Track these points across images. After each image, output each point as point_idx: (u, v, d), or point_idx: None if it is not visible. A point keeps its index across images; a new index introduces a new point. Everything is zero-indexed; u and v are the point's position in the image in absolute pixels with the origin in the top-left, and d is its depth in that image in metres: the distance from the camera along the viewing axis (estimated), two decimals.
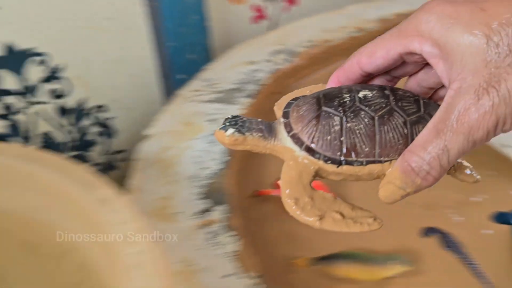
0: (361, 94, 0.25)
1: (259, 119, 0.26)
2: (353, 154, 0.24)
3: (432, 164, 0.23)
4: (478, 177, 0.26)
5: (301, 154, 0.25)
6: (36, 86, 0.61)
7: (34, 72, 0.60)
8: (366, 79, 0.28)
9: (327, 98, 0.25)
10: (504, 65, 0.21)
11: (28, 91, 0.61)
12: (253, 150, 0.26)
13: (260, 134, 0.26)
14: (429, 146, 0.23)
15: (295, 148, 0.25)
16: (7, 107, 0.60)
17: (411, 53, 0.25)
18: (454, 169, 0.26)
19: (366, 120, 0.24)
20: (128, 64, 0.66)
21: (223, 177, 0.48)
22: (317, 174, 0.25)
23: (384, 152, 0.24)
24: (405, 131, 0.25)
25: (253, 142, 0.26)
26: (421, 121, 0.25)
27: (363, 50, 0.26)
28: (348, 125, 0.24)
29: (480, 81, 0.22)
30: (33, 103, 0.62)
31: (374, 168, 0.25)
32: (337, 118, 0.24)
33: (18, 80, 0.60)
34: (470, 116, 0.22)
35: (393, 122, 0.25)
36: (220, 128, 0.25)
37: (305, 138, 0.25)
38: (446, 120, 0.23)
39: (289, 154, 0.25)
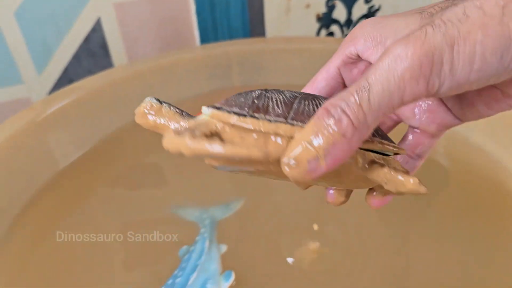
0: (281, 94, 0.22)
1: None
2: (261, 111, 0.20)
3: (349, 101, 0.18)
4: (423, 188, 0.21)
5: (208, 112, 0.21)
6: None
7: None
8: None
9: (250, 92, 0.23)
10: (441, 13, 0.18)
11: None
12: (164, 129, 0.23)
13: (177, 111, 0.23)
14: (351, 87, 0.19)
15: (204, 110, 0.22)
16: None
17: (349, 65, 0.24)
18: (386, 179, 0.21)
19: (288, 94, 0.22)
20: None
21: None
22: (219, 136, 0.20)
23: (299, 118, 0.20)
24: None
25: (168, 115, 0.23)
26: None
27: (311, 80, 0.26)
28: (267, 94, 0.21)
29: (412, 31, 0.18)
30: None
31: (282, 127, 0.20)
32: (257, 91, 0.22)
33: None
34: (396, 45, 0.18)
35: (317, 101, 0.22)
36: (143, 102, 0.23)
37: (217, 104, 0.22)
38: (374, 64, 0.18)
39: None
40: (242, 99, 0.21)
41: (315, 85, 0.25)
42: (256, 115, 0.20)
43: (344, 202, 0.25)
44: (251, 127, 0.20)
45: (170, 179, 0.51)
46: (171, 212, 0.45)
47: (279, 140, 0.20)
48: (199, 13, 0.66)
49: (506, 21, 0.17)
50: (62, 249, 0.42)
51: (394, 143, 0.23)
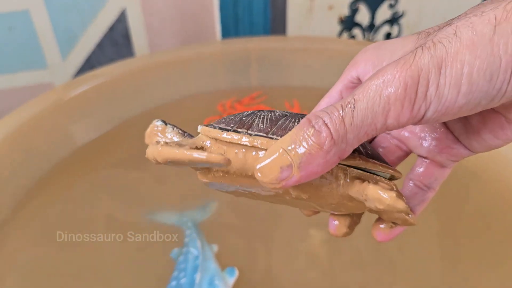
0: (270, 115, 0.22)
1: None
2: (245, 127, 0.21)
3: (332, 114, 0.18)
4: (411, 216, 0.21)
5: (199, 129, 0.22)
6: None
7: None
8: None
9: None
10: (432, 37, 0.18)
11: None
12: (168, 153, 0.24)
13: (180, 132, 0.24)
14: (337, 102, 0.18)
15: (199, 129, 0.23)
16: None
17: (351, 89, 0.24)
18: (373, 180, 0.21)
19: (278, 114, 0.22)
20: None
21: None
22: (202, 148, 0.22)
23: (280, 132, 0.20)
24: None
25: (172, 134, 0.24)
26: None
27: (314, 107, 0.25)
28: (258, 113, 0.22)
29: (405, 55, 0.18)
30: None
31: (259, 140, 0.20)
32: (252, 111, 0.22)
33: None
34: (387, 69, 0.17)
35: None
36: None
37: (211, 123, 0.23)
38: (363, 83, 0.18)
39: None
40: (233, 117, 0.22)
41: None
42: (239, 130, 0.21)
43: (347, 234, 0.24)
44: (231, 140, 0.21)
45: (143, 186, 0.51)
46: (144, 218, 0.45)
47: (259, 153, 0.20)
48: (222, 8, 0.67)
49: (497, 40, 0.16)
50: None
51: (388, 164, 0.22)
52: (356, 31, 0.74)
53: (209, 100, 0.59)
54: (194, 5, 0.67)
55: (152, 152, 0.21)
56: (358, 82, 0.24)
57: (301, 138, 0.18)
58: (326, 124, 0.18)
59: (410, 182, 0.24)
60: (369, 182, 0.20)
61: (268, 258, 0.41)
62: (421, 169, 0.24)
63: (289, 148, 0.18)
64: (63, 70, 0.67)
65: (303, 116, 0.21)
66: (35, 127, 0.48)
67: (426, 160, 0.24)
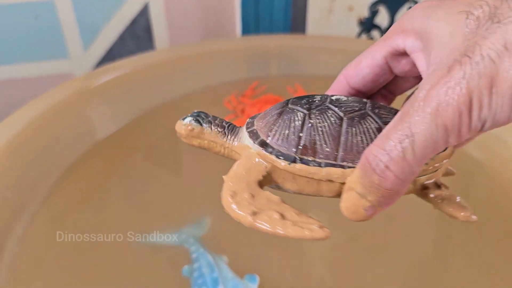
0: (335, 97, 0.22)
1: (226, 120, 0.24)
2: (310, 152, 0.21)
3: (392, 154, 0.18)
4: (474, 217, 0.22)
5: (255, 149, 0.22)
6: None
7: None
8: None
9: (296, 99, 0.23)
10: (481, 32, 0.18)
11: None
12: (211, 148, 0.24)
13: (219, 130, 0.23)
14: (391, 133, 0.18)
15: (251, 143, 0.22)
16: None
17: (397, 56, 0.23)
18: (441, 198, 0.22)
19: (332, 119, 0.21)
20: None
21: None
22: (270, 176, 0.22)
23: (348, 157, 0.20)
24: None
25: (210, 137, 0.23)
26: None
27: (350, 63, 0.24)
28: (311, 121, 0.21)
29: (455, 56, 0.18)
30: None
31: (334, 172, 0.20)
32: (300, 114, 0.21)
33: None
34: (438, 90, 0.17)
35: (364, 126, 0.21)
36: (181, 118, 0.24)
37: (262, 133, 0.22)
38: (413, 102, 0.18)
39: (245, 152, 0.22)
40: (286, 131, 0.21)
41: (359, 71, 0.24)
42: (305, 158, 0.21)
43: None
44: (301, 173, 0.21)
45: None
46: (141, 242, 0.42)
47: (334, 183, 0.21)
48: (243, 6, 0.67)
49: None
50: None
51: None
52: (375, 33, 0.75)
53: (228, 93, 0.59)
54: (216, 2, 0.68)
55: (242, 218, 0.20)
56: (404, 54, 0.23)
57: (369, 186, 0.18)
58: (388, 168, 0.18)
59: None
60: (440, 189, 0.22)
61: (281, 263, 0.41)
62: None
63: (362, 192, 0.19)
64: (84, 61, 0.68)
65: (359, 117, 0.21)
66: (60, 114, 0.49)
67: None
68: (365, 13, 0.72)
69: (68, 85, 0.51)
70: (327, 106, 0.21)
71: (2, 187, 0.42)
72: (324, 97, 0.22)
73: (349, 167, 0.20)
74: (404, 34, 0.22)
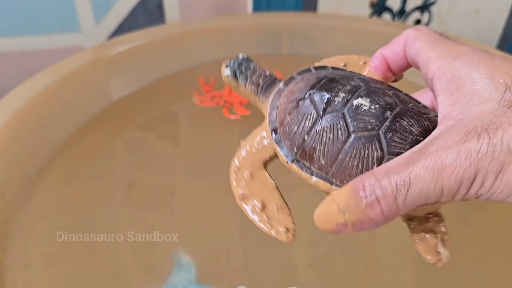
0: (358, 101, 0.21)
1: (268, 73, 0.25)
2: (307, 158, 0.22)
3: (386, 192, 0.18)
4: (441, 264, 0.22)
5: (268, 128, 0.23)
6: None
7: None
8: None
9: (324, 86, 0.22)
10: (509, 116, 0.18)
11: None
12: (247, 98, 0.25)
13: (253, 88, 0.24)
14: (392, 173, 0.19)
15: (268, 121, 0.23)
16: None
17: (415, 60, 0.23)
18: (420, 231, 0.22)
19: (340, 132, 0.21)
20: None
21: None
22: (275, 157, 0.23)
23: (338, 176, 0.21)
24: (374, 167, 0.20)
25: (245, 92, 0.25)
26: None
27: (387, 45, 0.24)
28: (319, 127, 0.21)
29: (476, 125, 0.18)
30: None
31: (322, 185, 0.21)
32: (314, 114, 0.21)
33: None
34: (448, 155, 0.18)
35: (366, 152, 0.20)
36: (226, 63, 0.25)
37: (279, 115, 0.23)
38: (423, 151, 0.18)
39: (265, 120, 0.24)
40: (295, 128, 0.22)
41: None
42: (301, 162, 0.22)
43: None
44: (294, 172, 0.22)
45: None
46: None
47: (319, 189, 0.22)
48: None
49: None
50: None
51: None
52: (386, 16, 0.74)
53: None
54: None
55: (234, 193, 0.23)
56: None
57: (354, 206, 0.19)
58: (378, 201, 0.19)
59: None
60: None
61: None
62: None
63: (344, 208, 0.19)
64: (96, 35, 0.68)
65: (363, 137, 0.21)
66: (74, 81, 0.49)
67: None
68: None
69: (80, 55, 0.52)
70: (343, 114, 0.21)
71: (16, 150, 0.43)
72: (348, 98, 0.21)
73: (336, 185, 0.21)
74: (432, 61, 0.21)
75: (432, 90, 0.21)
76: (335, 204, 0.19)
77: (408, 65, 0.24)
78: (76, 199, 0.44)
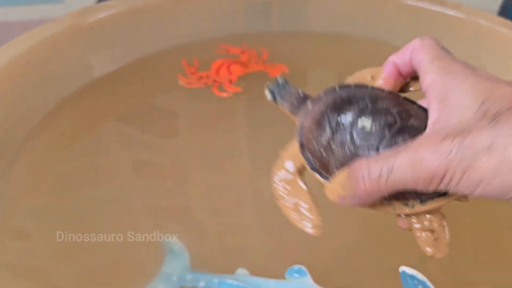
0: (363, 123, 0.25)
1: (301, 92, 0.29)
2: (324, 168, 0.27)
3: (372, 174, 0.23)
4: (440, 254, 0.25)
5: (297, 144, 0.28)
6: None
7: None
8: None
9: (338, 108, 0.27)
10: (480, 124, 0.21)
11: None
12: (286, 113, 0.30)
13: (288, 106, 0.29)
14: (381, 160, 0.23)
15: (296, 136, 0.28)
16: None
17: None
18: (422, 230, 0.25)
19: (347, 150, 0.26)
20: None
21: None
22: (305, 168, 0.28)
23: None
24: None
25: (283, 109, 0.30)
26: None
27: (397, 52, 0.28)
28: (333, 147, 0.26)
29: (454, 130, 0.22)
30: None
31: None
32: (328, 133, 0.26)
33: None
34: (426, 152, 0.21)
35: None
36: (268, 84, 0.30)
37: (305, 133, 0.28)
38: (408, 146, 0.23)
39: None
40: (315, 145, 0.27)
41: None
42: (320, 171, 0.26)
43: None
44: (315, 177, 0.27)
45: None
46: None
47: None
48: None
49: None
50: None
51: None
52: None
53: (226, 43, 0.57)
54: None
55: (274, 189, 0.28)
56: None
57: (347, 183, 0.24)
58: (364, 181, 0.23)
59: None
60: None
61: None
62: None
63: (342, 184, 0.24)
64: (78, 5, 0.65)
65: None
66: (51, 49, 0.47)
67: None
68: None
69: (57, 21, 0.49)
70: (351, 133, 0.26)
71: None
72: (357, 116, 0.26)
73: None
74: (427, 72, 0.25)
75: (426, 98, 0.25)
76: (338, 182, 0.25)
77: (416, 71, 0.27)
78: (55, 182, 0.41)
